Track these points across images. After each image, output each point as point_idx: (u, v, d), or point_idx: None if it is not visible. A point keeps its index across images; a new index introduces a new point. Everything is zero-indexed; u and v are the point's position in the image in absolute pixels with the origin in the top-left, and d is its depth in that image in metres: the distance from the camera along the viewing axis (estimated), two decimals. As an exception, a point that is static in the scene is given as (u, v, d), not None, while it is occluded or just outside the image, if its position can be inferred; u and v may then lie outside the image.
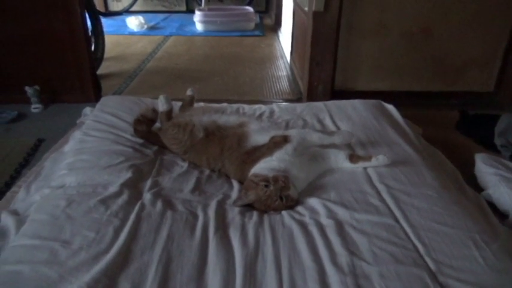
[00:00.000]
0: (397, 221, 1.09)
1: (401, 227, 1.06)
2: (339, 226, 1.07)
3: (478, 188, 1.58)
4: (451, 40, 2.57)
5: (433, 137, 1.92)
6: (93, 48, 3.11)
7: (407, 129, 1.70)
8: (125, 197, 1.15)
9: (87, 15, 3.09)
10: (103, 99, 1.88)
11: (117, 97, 1.97)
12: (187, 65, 3.57)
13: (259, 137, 1.37)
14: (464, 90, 2.69)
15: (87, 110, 1.98)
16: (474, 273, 0.91)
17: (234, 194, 1.27)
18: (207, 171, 1.39)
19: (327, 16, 2.35)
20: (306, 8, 2.54)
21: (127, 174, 1.26)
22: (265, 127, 1.43)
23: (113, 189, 1.18)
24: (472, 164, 1.71)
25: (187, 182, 1.30)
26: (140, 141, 1.49)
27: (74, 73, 2.37)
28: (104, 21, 5.29)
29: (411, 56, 2.62)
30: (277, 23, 5.32)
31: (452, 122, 2.24)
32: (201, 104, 1.90)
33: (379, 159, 1.32)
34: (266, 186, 1.17)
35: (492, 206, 1.43)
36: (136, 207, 1.11)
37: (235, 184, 1.33)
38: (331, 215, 1.11)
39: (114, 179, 1.23)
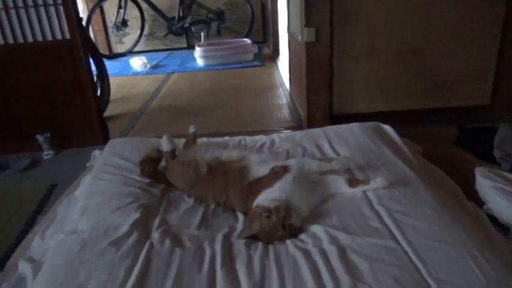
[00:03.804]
0: (397, 242, 1.12)
1: (402, 248, 1.09)
2: (341, 251, 1.10)
3: (481, 202, 1.60)
4: (441, 58, 2.65)
5: (433, 154, 1.96)
6: (99, 92, 3.25)
7: (404, 149, 1.74)
8: (134, 237, 1.20)
9: (91, 61, 3.26)
10: (110, 142, 1.97)
11: (124, 139, 2.07)
12: (190, 101, 3.69)
13: (260, 169, 1.43)
14: (460, 106, 2.74)
15: (97, 152, 2.07)
16: (475, 290, 0.93)
17: (240, 226, 1.32)
18: (212, 206, 1.44)
19: (320, 45, 2.45)
20: (299, 38, 2.65)
21: (136, 215, 1.32)
22: (265, 158, 1.49)
23: (123, 230, 1.23)
24: (474, 178, 1.74)
25: (194, 218, 1.35)
26: (147, 181, 1.56)
27: (82, 118, 2.49)
28: (109, 63, 5.54)
29: (405, 76, 2.70)
30: (275, 52, 5.49)
31: (452, 138, 2.28)
32: (204, 139, 1.98)
33: (377, 182, 1.36)
34: (268, 217, 1.21)
35: (495, 219, 1.45)
36: (146, 247, 1.16)
37: (240, 216, 1.38)
38: (333, 240, 1.15)
39: (124, 220, 1.29)
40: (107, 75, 3.36)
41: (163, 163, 1.63)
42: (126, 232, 1.22)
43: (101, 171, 1.63)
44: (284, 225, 1.20)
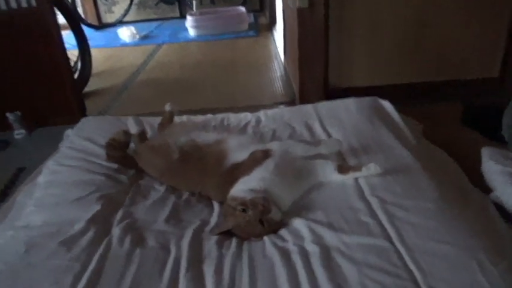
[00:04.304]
0: (391, 242, 0.96)
1: (396, 250, 0.94)
2: (326, 253, 0.95)
3: (487, 188, 1.44)
4: (449, 28, 2.42)
5: (436, 134, 1.77)
6: (79, 65, 3.04)
7: (404, 130, 1.56)
8: (90, 235, 1.05)
9: (72, 33, 3.03)
10: (81, 122, 1.79)
11: (97, 118, 1.89)
12: (179, 75, 3.48)
13: (238, 154, 1.27)
14: (466, 79, 2.53)
15: (70, 132, 1.89)
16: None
17: (214, 219, 1.17)
18: (185, 195, 1.28)
19: (313, 12, 2.22)
20: (291, 4, 2.41)
21: (96, 207, 1.16)
22: (245, 142, 1.32)
23: (78, 226, 1.08)
24: (480, 160, 1.57)
25: (163, 210, 1.20)
26: (115, 166, 1.40)
27: (56, 95, 2.30)
28: (97, 34, 5.28)
29: (408, 47, 2.47)
30: (272, 21, 5.19)
31: (457, 116, 2.09)
32: (184, 118, 1.79)
33: (370, 169, 1.20)
34: (244, 210, 1.06)
35: (503, 208, 1.30)
36: (102, 247, 1.01)
37: (217, 207, 1.23)
38: (317, 239, 1.00)
39: (81, 214, 1.14)
40: (88, 49, 3.14)
41: (134, 146, 1.46)
42: (82, 229, 1.07)
43: (64, 155, 1.47)
44: (262, 221, 1.04)
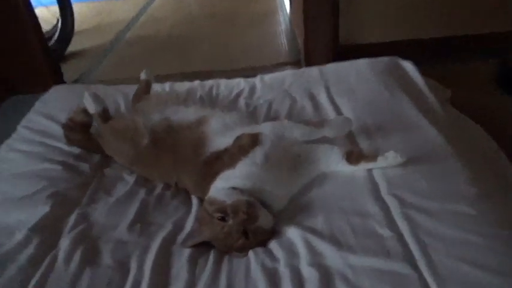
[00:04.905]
0: (414, 266, 0.72)
1: (421, 278, 0.70)
2: (326, 280, 0.72)
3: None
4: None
5: (466, 101, 1.48)
6: (60, 24, 2.73)
7: (432, 100, 1.26)
8: (31, 249, 0.84)
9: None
10: (49, 93, 1.53)
11: (66, 88, 1.62)
12: (173, 31, 3.13)
13: (221, 139, 1.01)
14: (502, 31, 2.14)
15: (36, 105, 1.64)
16: None
17: (190, 222, 0.94)
18: (158, 189, 1.05)
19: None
20: None
21: (44, 209, 0.94)
22: (230, 123, 1.06)
23: (18, 237, 0.87)
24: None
25: (128, 210, 0.97)
26: (78, 151, 1.16)
27: (24, 58, 2.01)
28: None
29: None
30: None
31: (491, 77, 1.76)
32: (167, 86, 1.52)
33: (389, 158, 0.93)
34: (223, 219, 0.82)
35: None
36: (42, 268, 0.80)
37: (195, 204, 0.99)
38: (316, 259, 0.77)
39: (26, 218, 0.92)
40: (69, 3, 2.79)
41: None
42: (21, 240, 0.86)
43: (19, 138, 1.23)
44: (246, 232, 0.81)
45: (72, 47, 2.79)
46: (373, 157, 0.94)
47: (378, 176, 0.93)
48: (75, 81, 2.31)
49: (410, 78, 1.42)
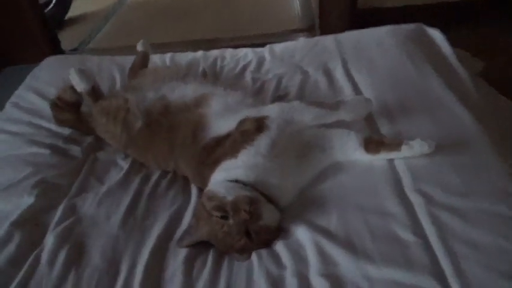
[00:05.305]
0: (442, 279, 0.62)
1: (452, 295, 0.60)
2: (340, 294, 0.63)
3: None
4: None
5: (500, 75, 1.32)
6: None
7: (463, 75, 1.11)
8: (12, 248, 0.76)
9: None
10: (41, 65, 1.42)
11: (59, 59, 1.50)
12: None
13: (222, 122, 0.90)
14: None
15: (29, 78, 1.54)
16: None
17: (189, 215, 0.85)
18: (155, 176, 0.96)
19: None
20: None
21: (28, 200, 0.86)
22: (232, 104, 0.94)
23: (0, 232, 0.79)
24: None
25: (121, 200, 0.88)
26: (69, 132, 1.07)
27: (17, 26, 1.88)
28: None
29: None
30: None
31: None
32: (167, 56, 1.39)
33: (415, 147, 0.81)
34: (223, 217, 0.73)
35: None
36: (24, 269, 0.73)
37: (195, 193, 0.90)
38: (328, 267, 0.67)
39: (8, 210, 0.85)
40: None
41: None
42: (3, 237, 0.78)
43: (6, 117, 1.14)
44: (249, 232, 0.72)
45: (71, 12, 2.64)
46: (396, 145, 0.82)
47: (400, 167, 0.82)
48: (74, 50, 2.19)
49: (438, 48, 1.25)
